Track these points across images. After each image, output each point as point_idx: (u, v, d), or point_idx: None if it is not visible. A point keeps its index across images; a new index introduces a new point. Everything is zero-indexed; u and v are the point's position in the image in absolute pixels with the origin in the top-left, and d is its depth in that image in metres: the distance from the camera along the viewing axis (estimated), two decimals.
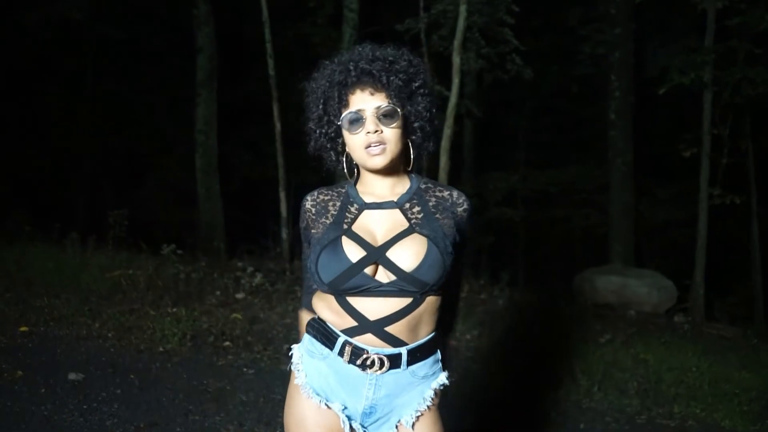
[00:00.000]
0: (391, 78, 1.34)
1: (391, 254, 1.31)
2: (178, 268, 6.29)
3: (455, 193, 1.45)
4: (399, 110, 1.35)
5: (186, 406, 3.25)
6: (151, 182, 13.84)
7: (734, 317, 7.24)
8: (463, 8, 6.46)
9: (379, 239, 1.35)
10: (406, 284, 1.30)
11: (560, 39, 12.44)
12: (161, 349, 4.21)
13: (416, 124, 1.39)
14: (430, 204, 1.40)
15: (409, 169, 1.45)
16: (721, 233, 9.12)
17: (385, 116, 1.34)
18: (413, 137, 1.40)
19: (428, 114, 1.39)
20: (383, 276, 1.31)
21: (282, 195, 7.65)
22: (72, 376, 3.50)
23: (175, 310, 5.12)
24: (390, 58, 1.37)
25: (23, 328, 4.36)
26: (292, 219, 7.89)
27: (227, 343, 4.45)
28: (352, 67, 1.35)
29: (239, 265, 6.67)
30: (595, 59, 10.94)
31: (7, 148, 12.18)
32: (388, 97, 1.34)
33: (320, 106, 1.40)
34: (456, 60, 6.48)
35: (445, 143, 6.29)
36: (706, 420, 3.72)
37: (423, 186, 1.44)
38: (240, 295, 5.81)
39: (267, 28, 7.45)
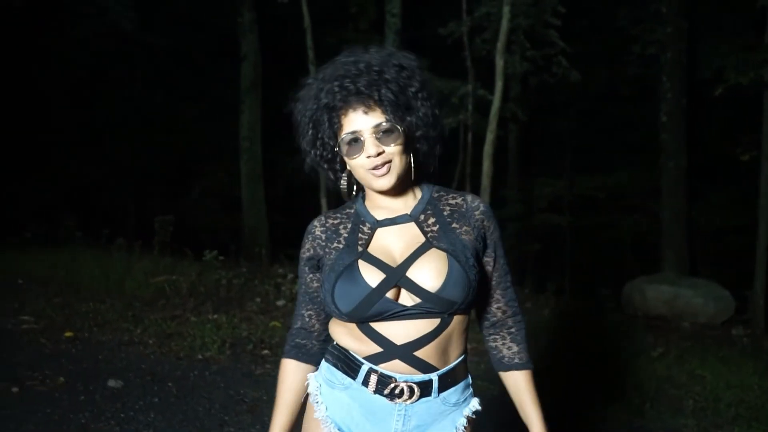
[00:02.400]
0: (383, 91, 1.20)
1: (412, 274, 1.20)
2: (220, 274, 6.35)
3: (469, 198, 1.32)
4: (398, 126, 1.21)
5: (222, 417, 3.21)
6: (197, 188, 14.08)
7: None
8: (506, 10, 6.31)
9: (398, 258, 1.23)
10: (432, 305, 1.19)
11: (608, 40, 12.09)
12: (200, 356, 4.20)
13: (419, 133, 1.26)
14: (445, 213, 1.29)
15: (416, 179, 1.33)
16: None
17: (384, 133, 1.21)
18: (418, 146, 1.27)
19: (431, 119, 1.26)
20: (407, 299, 1.20)
21: (323, 201, 7.64)
22: (111, 383, 3.51)
23: (215, 316, 5.14)
24: (376, 68, 1.22)
25: (68, 334, 4.43)
26: None
27: (266, 351, 4.42)
28: (337, 88, 1.22)
29: (280, 271, 6.69)
30: (645, 60, 10.58)
31: (60, 156, 12.62)
32: (384, 113, 1.21)
33: (310, 130, 1.28)
34: (499, 63, 6.33)
35: (488, 148, 6.14)
36: None
37: (436, 195, 1.32)
38: (280, 302, 5.80)
39: (309, 35, 7.46)
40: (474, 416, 1.31)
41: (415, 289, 1.18)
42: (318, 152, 1.29)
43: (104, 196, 13.51)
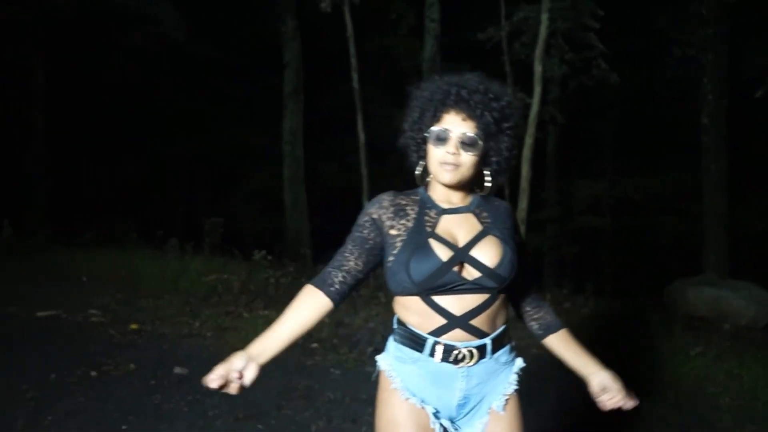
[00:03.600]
0: (485, 113, 1.44)
1: (475, 253, 1.44)
2: (269, 273, 6.64)
3: (504, 203, 1.60)
4: (481, 142, 1.45)
5: (279, 402, 3.47)
6: (240, 192, 14.53)
7: None
8: (544, 17, 6.45)
9: (461, 241, 1.46)
10: (489, 280, 1.42)
11: (648, 41, 12.03)
12: None
13: (494, 158, 1.50)
14: (492, 211, 1.55)
15: (481, 193, 1.55)
16: None
17: (466, 143, 1.44)
18: (488, 170, 1.52)
19: (508, 153, 1.51)
20: (468, 274, 1.43)
21: (366, 203, 7.87)
22: (177, 370, 3.82)
23: (266, 312, 5.42)
24: (491, 95, 1.46)
25: (134, 326, 4.78)
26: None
27: (315, 345, 4.67)
28: (454, 91, 1.45)
29: None
30: (686, 62, 10.52)
31: (112, 161, 13.23)
32: (476, 127, 1.45)
33: (417, 114, 1.51)
34: (538, 68, 6.47)
35: (526, 152, 6.29)
36: None
37: (482, 198, 1.56)
38: None
39: (351, 44, 7.73)
40: (521, 372, 1.54)
41: (477, 265, 1.42)
42: (413, 134, 1.52)
43: (153, 200, 14.06)
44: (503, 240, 1.47)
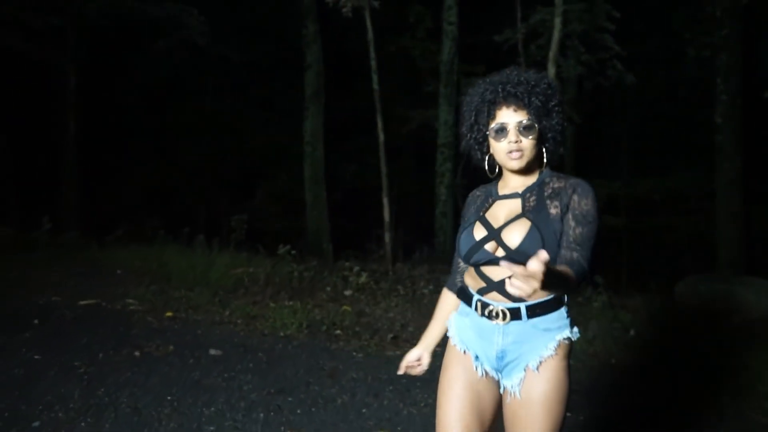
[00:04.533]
0: (532, 99, 1.67)
1: (503, 234, 1.67)
2: (293, 267, 6.95)
3: (572, 181, 1.69)
4: (536, 125, 1.68)
5: (306, 379, 3.76)
6: (262, 192, 14.87)
7: None
8: (557, 21, 6.67)
9: (500, 222, 1.71)
10: (515, 257, 1.63)
11: (665, 42, 12.16)
12: (282, 334, 4.79)
13: (550, 135, 1.73)
14: (546, 193, 1.70)
15: (542, 168, 1.78)
16: None
17: (525, 129, 1.67)
18: (547, 145, 1.74)
19: (560, 127, 1.73)
20: (499, 251, 1.68)
21: (385, 201, 8.12)
22: (212, 351, 4.13)
23: (291, 303, 5.72)
24: (532, 83, 1.69)
25: (169, 314, 5.11)
26: (394, 224, 8.37)
27: (338, 331, 4.97)
28: (500, 89, 1.68)
29: (346, 264, 7.23)
30: (702, 62, 10.64)
31: (139, 162, 13.68)
32: (529, 114, 1.67)
33: (472, 117, 1.74)
34: (551, 70, 6.70)
35: None
36: None
37: (548, 179, 1.73)
38: (348, 292, 6.35)
39: (372, 47, 7.99)
40: (566, 341, 1.69)
41: (502, 244, 1.67)
42: (473, 135, 1.77)
43: (178, 200, 14.48)
44: (535, 223, 1.64)
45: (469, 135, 1.78)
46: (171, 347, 4.17)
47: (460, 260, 1.88)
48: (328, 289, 6.36)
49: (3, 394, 3.15)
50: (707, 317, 6.49)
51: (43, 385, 3.31)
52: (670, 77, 12.69)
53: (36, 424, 2.85)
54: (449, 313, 1.90)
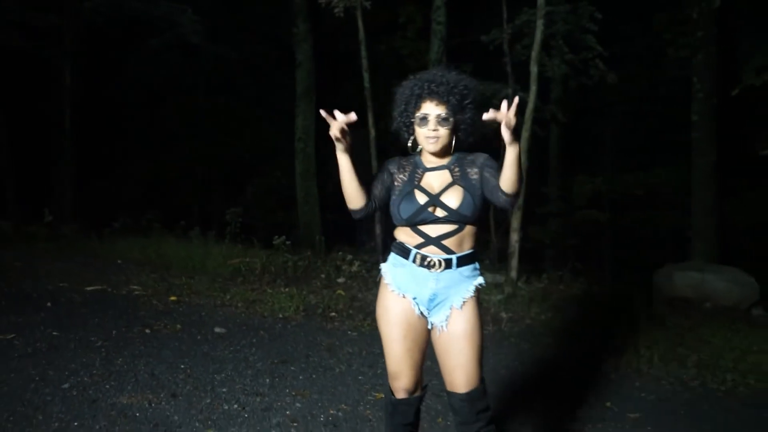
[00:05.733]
0: (450, 97, 2.09)
1: (443, 198, 2.08)
2: (287, 257, 7.26)
3: (477, 153, 2.17)
4: (451, 118, 2.09)
5: (306, 352, 4.09)
6: (254, 187, 15.13)
7: None
8: (540, 22, 7.01)
9: (436, 189, 2.10)
10: (453, 217, 2.07)
11: (647, 43, 12.57)
12: (280, 316, 5.10)
13: (462, 127, 2.15)
14: (464, 166, 2.15)
15: (452, 152, 2.18)
16: None
17: (442, 120, 2.09)
18: (459, 134, 2.16)
19: (471, 121, 2.15)
20: (439, 212, 2.08)
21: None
22: (217, 329, 4.44)
23: (287, 289, 6.03)
24: (452, 83, 2.09)
25: (172, 298, 5.40)
26: (384, 217, 8.69)
27: (333, 314, 5.29)
28: (426, 86, 2.09)
29: (339, 254, 7.54)
30: (682, 62, 11.05)
31: (134, 157, 13.90)
32: (447, 108, 2.09)
33: (402, 105, 2.14)
34: (533, 70, 7.03)
35: (522, 144, 6.84)
36: (757, 387, 4.12)
37: (461, 156, 2.18)
38: (341, 280, 6.67)
39: (363, 46, 8.28)
40: (479, 286, 2.15)
41: (444, 207, 2.08)
42: (402, 120, 2.17)
43: (172, 194, 14.71)
44: (466, 188, 2.10)
45: (399, 119, 2.19)
46: (178, 326, 4.47)
47: (375, 187, 2.12)
48: (323, 276, 6.68)
49: (32, 362, 3.44)
50: (681, 305, 6.89)
51: (66, 356, 3.61)
52: (651, 76, 13.12)
53: (65, 386, 3.15)
54: (359, 184, 2.07)
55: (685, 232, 10.59)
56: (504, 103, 1.86)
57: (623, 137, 15.14)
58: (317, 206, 11.83)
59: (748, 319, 6.61)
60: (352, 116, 1.97)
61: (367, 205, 2.11)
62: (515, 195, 2.01)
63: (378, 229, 8.48)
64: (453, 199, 2.08)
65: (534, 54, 7.02)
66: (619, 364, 4.40)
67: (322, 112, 2.02)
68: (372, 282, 6.60)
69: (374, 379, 3.67)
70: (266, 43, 14.13)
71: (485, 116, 1.89)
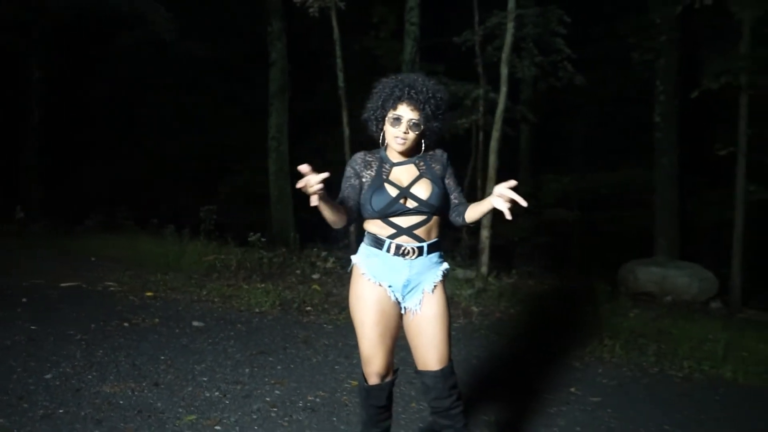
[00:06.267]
0: (426, 105, 2.22)
1: (413, 190, 2.23)
2: (263, 253, 7.34)
3: (439, 151, 2.35)
4: (422, 126, 2.24)
5: (283, 344, 4.20)
6: (227, 186, 15.09)
7: None
8: (510, 26, 7.21)
9: (405, 182, 2.24)
10: (424, 207, 2.22)
11: (614, 46, 12.92)
12: (257, 310, 5.19)
13: (428, 133, 2.30)
14: (428, 161, 2.32)
15: (419, 154, 2.33)
16: None
17: (414, 125, 2.22)
18: (425, 140, 2.32)
19: (438, 130, 2.31)
20: (410, 203, 2.22)
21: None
22: (195, 323, 4.52)
23: (263, 285, 6.12)
24: (430, 93, 2.23)
25: (149, 293, 5.45)
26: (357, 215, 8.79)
27: (309, 308, 5.40)
28: (406, 90, 2.21)
29: (314, 251, 7.65)
30: (647, 65, 11.40)
31: (105, 155, 13.77)
32: (420, 115, 2.22)
33: (379, 102, 2.24)
34: (503, 71, 7.22)
35: (493, 144, 7.05)
36: (711, 373, 4.37)
37: (423, 154, 2.33)
38: (315, 276, 6.79)
39: (338, 46, 8.40)
40: (446, 271, 2.32)
41: (415, 198, 2.23)
42: (375, 114, 2.29)
43: (143, 192, 14.59)
44: (433, 181, 2.27)
45: (372, 112, 2.30)
46: (156, 320, 4.54)
47: (344, 197, 2.25)
48: (298, 272, 6.78)
49: (12, 354, 3.49)
50: (643, 299, 7.17)
51: (47, 348, 3.66)
52: (619, 79, 13.49)
53: (48, 376, 3.22)
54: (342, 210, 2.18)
55: (652, 230, 10.95)
56: (513, 193, 2.06)
57: (591, 138, 15.53)
58: (291, 204, 11.88)
59: (707, 311, 6.94)
60: (324, 174, 1.98)
61: (349, 220, 2.24)
62: (470, 225, 2.18)
63: (351, 227, 8.61)
64: (422, 190, 2.23)
65: (504, 56, 7.22)
66: (583, 354, 4.61)
67: (302, 169, 1.97)
68: (347, 278, 6.71)
69: (350, 369, 3.80)
70: (240, 42, 14.11)
71: (498, 206, 2.09)
